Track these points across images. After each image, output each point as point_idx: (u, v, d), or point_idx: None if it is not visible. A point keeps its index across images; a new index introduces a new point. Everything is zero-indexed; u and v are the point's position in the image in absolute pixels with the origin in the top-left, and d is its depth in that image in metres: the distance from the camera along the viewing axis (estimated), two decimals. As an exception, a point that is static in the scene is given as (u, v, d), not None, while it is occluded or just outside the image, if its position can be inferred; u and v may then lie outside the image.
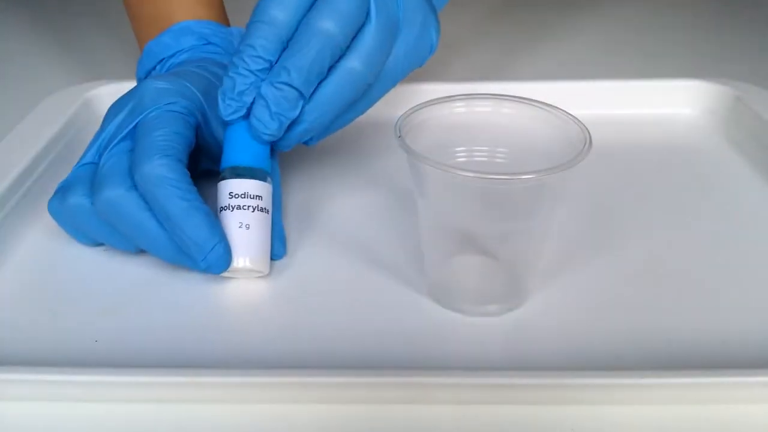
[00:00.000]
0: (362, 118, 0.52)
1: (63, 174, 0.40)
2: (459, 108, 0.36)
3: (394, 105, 0.38)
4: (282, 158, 0.47)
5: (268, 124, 0.36)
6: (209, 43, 0.46)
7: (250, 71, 0.36)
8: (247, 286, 0.37)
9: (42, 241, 0.41)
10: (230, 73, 0.36)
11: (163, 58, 0.45)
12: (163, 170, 0.35)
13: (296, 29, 0.36)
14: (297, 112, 0.36)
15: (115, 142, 0.37)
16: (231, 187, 0.36)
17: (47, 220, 0.42)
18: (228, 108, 0.37)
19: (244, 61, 0.36)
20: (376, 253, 0.40)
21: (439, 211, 0.34)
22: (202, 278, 0.38)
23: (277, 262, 0.39)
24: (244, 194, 0.36)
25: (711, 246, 0.40)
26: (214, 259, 0.35)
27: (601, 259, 0.39)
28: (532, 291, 0.36)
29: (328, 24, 0.35)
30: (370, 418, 0.30)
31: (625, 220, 0.42)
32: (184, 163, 0.36)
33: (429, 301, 0.36)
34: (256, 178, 0.37)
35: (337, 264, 0.39)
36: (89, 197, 0.36)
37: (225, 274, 0.36)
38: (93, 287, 0.38)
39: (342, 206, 0.44)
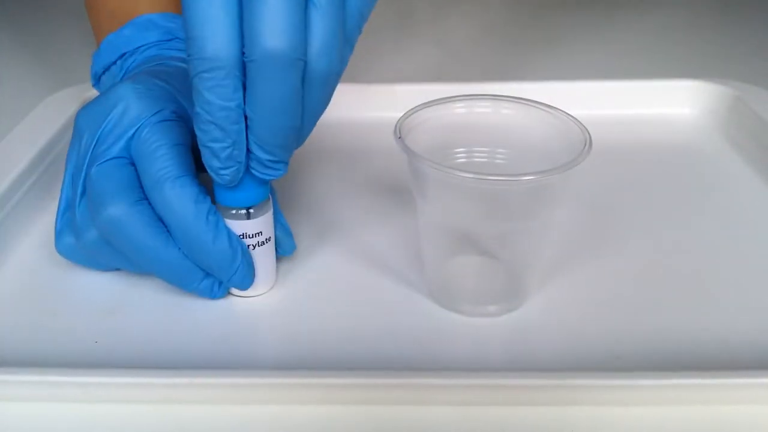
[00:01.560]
0: (362, 118, 0.52)
1: (63, 174, 0.40)
2: (459, 109, 0.36)
3: (394, 106, 0.38)
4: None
5: (267, 176, 0.33)
6: (175, 38, 0.43)
7: (223, 128, 0.30)
8: (247, 286, 0.38)
9: (42, 241, 0.41)
10: (205, 142, 0.31)
11: (125, 53, 0.42)
12: (179, 195, 0.33)
13: (243, 52, 0.29)
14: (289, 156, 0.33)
15: (107, 158, 0.35)
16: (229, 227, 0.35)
17: (47, 221, 0.42)
18: (225, 177, 0.32)
19: (211, 123, 0.30)
20: (375, 254, 0.40)
21: (438, 212, 0.34)
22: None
23: (277, 263, 0.39)
24: (243, 235, 0.35)
25: (711, 246, 0.40)
26: (239, 279, 0.35)
27: (601, 260, 0.39)
28: (532, 291, 0.36)
29: (277, 43, 0.28)
30: (370, 419, 0.30)
31: (625, 220, 0.42)
32: (194, 174, 0.35)
33: (429, 301, 0.36)
34: (254, 212, 0.35)
35: (336, 265, 0.39)
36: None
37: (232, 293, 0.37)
38: (93, 288, 0.37)
39: (341, 207, 0.44)
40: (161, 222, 0.34)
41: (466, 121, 0.36)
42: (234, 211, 0.34)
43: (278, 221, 0.38)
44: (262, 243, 0.35)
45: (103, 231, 0.34)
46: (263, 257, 0.36)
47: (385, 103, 0.50)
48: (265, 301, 0.37)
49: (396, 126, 0.33)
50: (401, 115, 0.34)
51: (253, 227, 0.35)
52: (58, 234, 0.37)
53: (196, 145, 0.37)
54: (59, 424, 0.30)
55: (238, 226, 0.34)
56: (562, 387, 0.30)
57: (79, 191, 0.36)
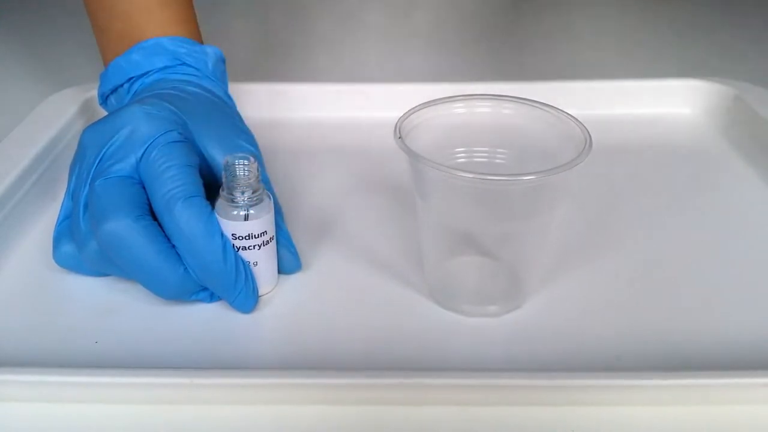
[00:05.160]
0: (362, 118, 0.52)
1: (63, 175, 0.40)
2: (459, 108, 0.36)
3: (394, 105, 0.38)
4: (280, 160, 0.47)
5: None
6: (183, 63, 0.43)
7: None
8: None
9: (42, 241, 0.41)
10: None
11: (132, 77, 0.43)
12: (192, 215, 0.34)
13: None
14: None
15: (114, 174, 0.35)
16: (233, 228, 0.34)
17: (47, 221, 0.42)
18: None
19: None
20: (376, 255, 0.40)
21: (439, 212, 0.34)
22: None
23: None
24: (249, 235, 0.35)
25: (710, 246, 0.40)
26: (242, 300, 0.35)
27: (601, 260, 0.39)
28: (532, 292, 0.36)
29: None
30: (371, 419, 0.30)
31: (625, 220, 0.42)
32: (203, 195, 0.35)
33: (429, 302, 0.36)
34: (255, 212, 0.34)
35: (337, 265, 0.39)
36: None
37: None
38: (93, 288, 0.37)
39: (342, 207, 0.44)
40: (165, 239, 0.34)
41: (466, 121, 0.36)
42: (235, 213, 0.34)
43: (282, 236, 0.37)
44: (267, 242, 0.35)
45: (102, 244, 0.34)
46: (265, 258, 0.36)
47: (385, 103, 0.50)
48: (265, 302, 0.37)
49: (396, 126, 0.33)
50: (401, 115, 0.34)
51: (260, 226, 0.35)
52: (55, 243, 0.37)
53: (203, 166, 0.37)
54: (59, 424, 0.30)
55: (240, 228, 0.34)
56: (562, 387, 0.30)
57: (81, 204, 0.36)
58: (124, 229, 0.33)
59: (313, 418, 0.30)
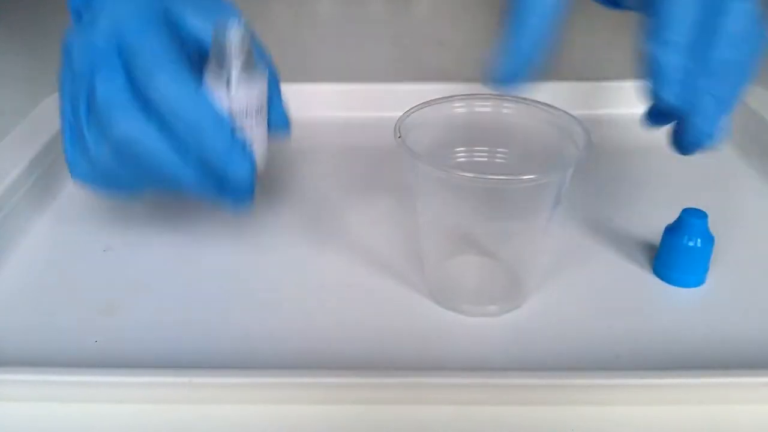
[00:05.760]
0: (362, 118, 0.52)
1: (62, 175, 0.40)
2: (459, 108, 0.36)
3: (394, 105, 0.38)
4: (281, 160, 0.47)
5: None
6: None
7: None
8: (247, 286, 0.38)
9: (42, 240, 0.41)
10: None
11: None
12: (176, 77, 0.33)
13: None
14: None
15: (105, 71, 0.35)
16: (222, 100, 0.34)
17: (47, 221, 0.42)
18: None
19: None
20: (376, 254, 0.40)
21: (438, 211, 0.34)
22: (203, 278, 0.38)
23: (277, 263, 0.39)
24: (239, 107, 0.34)
25: (711, 246, 0.40)
26: (237, 160, 0.34)
27: (600, 259, 0.39)
28: (532, 291, 0.36)
29: None
30: (370, 418, 0.30)
31: (625, 220, 0.42)
32: (188, 65, 0.34)
33: (429, 301, 0.36)
34: (246, 81, 0.33)
35: (336, 264, 0.39)
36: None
37: None
38: (93, 287, 0.38)
39: (341, 207, 0.44)
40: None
41: (466, 121, 0.36)
42: (223, 83, 0.33)
43: (275, 96, 0.37)
44: (256, 113, 0.35)
45: (117, 145, 0.34)
46: (256, 129, 0.35)
47: (385, 103, 0.50)
48: (265, 301, 0.37)
49: (396, 126, 0.33)
50: (401, 115, 0.34)
51: (244, 98, 0.34)
52: (71, 163, 0.36)
53: (190, 40, 0.36)
54: (59, 424, 0.30)
55: (229, 99, 0.34)
56: (562, 387, 0.30)
57: (83, 112, 0.35)
58: (134, 129, 0.33)
59: (313, 418, 0.30)
